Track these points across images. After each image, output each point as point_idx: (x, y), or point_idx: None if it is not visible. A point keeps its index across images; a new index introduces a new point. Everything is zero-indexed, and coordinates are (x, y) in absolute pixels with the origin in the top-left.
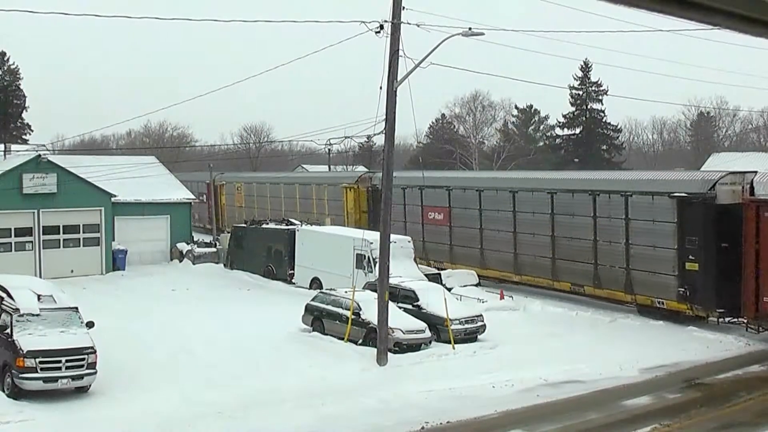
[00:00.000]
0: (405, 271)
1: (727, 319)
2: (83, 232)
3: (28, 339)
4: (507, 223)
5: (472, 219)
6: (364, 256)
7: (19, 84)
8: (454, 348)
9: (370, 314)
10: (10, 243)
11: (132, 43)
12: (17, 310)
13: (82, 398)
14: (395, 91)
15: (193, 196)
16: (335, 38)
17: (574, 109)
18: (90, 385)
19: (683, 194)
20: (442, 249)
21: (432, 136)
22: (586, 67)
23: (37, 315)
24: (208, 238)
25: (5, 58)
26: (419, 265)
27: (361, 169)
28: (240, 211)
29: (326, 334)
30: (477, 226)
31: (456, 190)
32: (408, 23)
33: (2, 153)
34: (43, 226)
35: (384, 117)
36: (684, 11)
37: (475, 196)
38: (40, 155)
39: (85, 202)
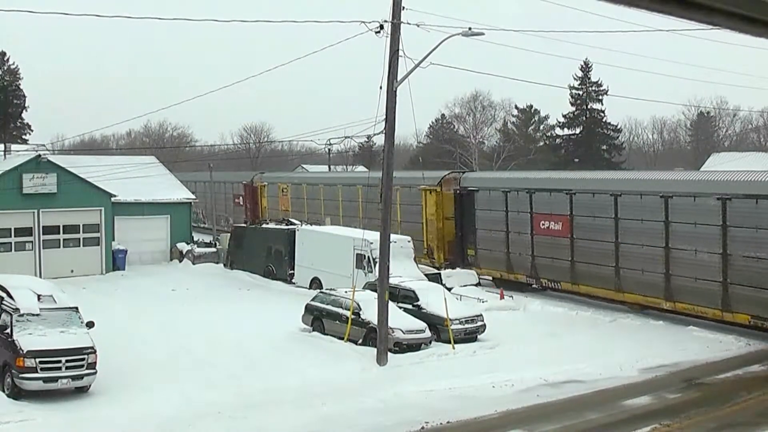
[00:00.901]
0: (405, 271)
1: None
2: (83, 232)
3: (28, 339)
4: (655, 235)
5: (604, 230)
6: (364, 256)
7: (19, 84)
8: (454, 348)
9: (370, 314)
10: (10, 243)
11: (132, 43)
12: (17, 310)
13: (82, 398)
14: (395, 91)
15: (193, 196)
16: (335, 38)
17: (574, 109)
18: (90, 385)
19: None
20: (559, 266)
21: (432, 136)
22: (586, 67)
23: (37, 315)
24: (208, 238)
25: (5, 58)
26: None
27: (362, 169)
28: (286, 216)
29: (326, 334)
30: (611, 239)
31: (581, 195)
32: (408, 23)
33: (2, 153)
34: (43, 226)
35: (384, 117)
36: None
37: (608, 202)
38: (40, 155)
39: (85, 202)
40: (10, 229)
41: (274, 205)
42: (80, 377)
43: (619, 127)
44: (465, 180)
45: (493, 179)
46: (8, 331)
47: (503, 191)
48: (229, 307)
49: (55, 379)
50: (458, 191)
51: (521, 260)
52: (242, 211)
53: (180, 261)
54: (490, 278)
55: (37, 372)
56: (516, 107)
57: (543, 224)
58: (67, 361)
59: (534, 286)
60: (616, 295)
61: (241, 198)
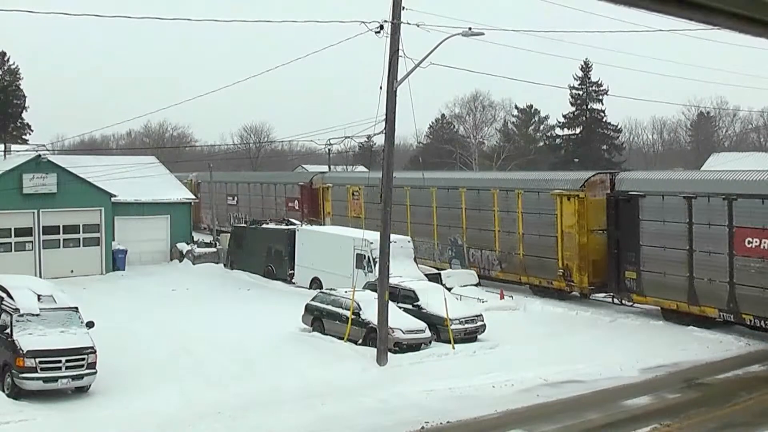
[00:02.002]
0: (405, 271)
1: None
2: (83, 232)
3: (28, 339)
4: None
5: None
6: (364, 256)
7: (19, 84)
8: (454, 348)
9: (370, 314)
10: (10, 243)
11: (132, 43)
12: (17, 310)
13: (82, 398)
14: (395, 91)
15: (193, 196)
16: (335, 38)
17: (574, 109)
18: (90, 385)
19: None
20: None
21: (432, 136)
22: (586, 67)
23: (37, 315)
24: (208, 238)
25: (5, 58)
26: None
27: (362, 169)
28: (357, 224)
29: (326, 334)
30: None
31: None
32: (408, 23)
33: (2, 153)
34: (43, 226)
35: (384, 117)
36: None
37: None
38: (40, 155)
39: (85, 202)
40: (10, 229)
41: (341, 211)
42: (80, 377)
43: (619, 127)
44: (622, 182)
45: (667, 181)
46: (8, 331)
47: (686, 197)
48: (229, 307)
49: (55, 379)
50: (612, 197)
51: (712, 289)
52: (298, 216)
53: (180, 261)
54: (658, 309)
55: (37, 372)
56: (516, 107)
57: (750, 242)
58: (67, 361)
59: (731, 321)
60: None
61: (296, 202)
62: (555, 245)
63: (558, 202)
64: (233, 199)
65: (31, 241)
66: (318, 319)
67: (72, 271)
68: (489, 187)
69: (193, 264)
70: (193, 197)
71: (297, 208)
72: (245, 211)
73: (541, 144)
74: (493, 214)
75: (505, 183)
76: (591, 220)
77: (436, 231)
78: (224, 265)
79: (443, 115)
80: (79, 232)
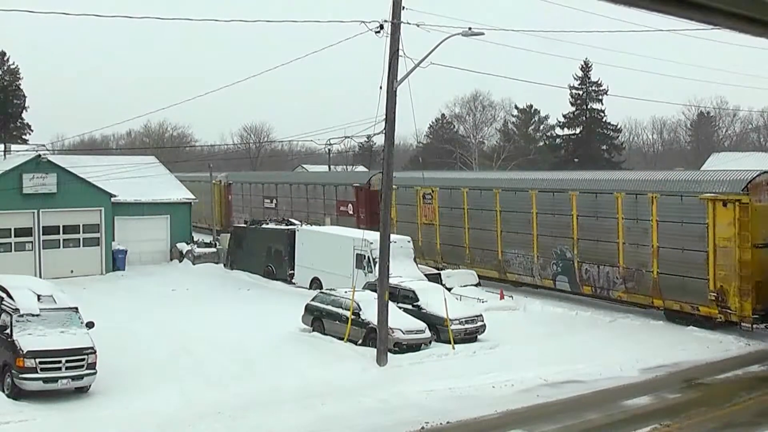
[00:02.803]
0: (405, 271)
1: None
2: (83, 232)
3: (28, 339)
4: None
5: None
6: (364, 256)
7: (19, 84)
8: (454, 348)
9: (370, 314)
10: (10, 243)
11: (132, 43)
12: (17, 310)
13: (82, 398)
14: (395, 91)
15: (193, 196)
16: (335, 38)
17: (574, 109)
18: (90, 385)
19: None
20: None
21: (432, 136)
22: (586, 67)
23: (37, 315)
24: (208, 238)
25: (5, 58)
26: (419, 265)
27: (362, 169)
28: (430, 232)
29: (326, 334)
30: None
31: None
32: (408, 23)
33: (2, 153)
34: (43, 226)
35: (384, 117)
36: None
37: None
38: (40, 155)
39: (85, 202)
40: (10, 229)
41: (409, 217)
42: (80, 377)
43: (619, 127)
44: None
45: None
46: (8, 331)
47: None
48: (229, 308)
49: (55, 380)
50: None
51: None
52: (352, 223)
53: (180, 261)
54: None
55: (37, 372)
56: (516, 107)
57: None
58: (67, 361)
59: None
60: None
61: (350, 206)
62: (704, 262)
63: (710, 209)
64: (271, 202)
65: (31, 241)
66: (318, 319)
67: (72, 271)
68: (611, 190)
69: (193, 264)
70: (193, 197)
71: (351, 212)
72: (286, 215)
73: (541, 144)
74: (616, 222)
75: (633, 185)
76: (756, 231)
77: (537, 242)
78: (224, 265)
79: (443, 115)
80: (79, 232)
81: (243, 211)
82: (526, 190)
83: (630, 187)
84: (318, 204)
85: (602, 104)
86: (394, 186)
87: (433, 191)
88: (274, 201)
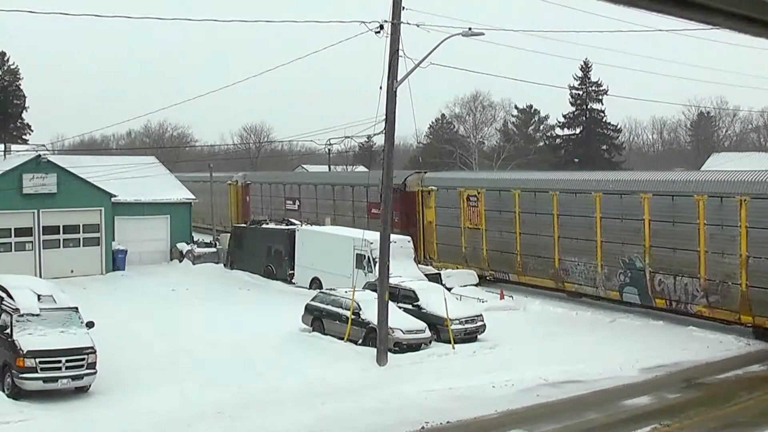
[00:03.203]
0: (405, 271)
1: None
2: (83, 232)
3: (28, 339)
4: None
5: None
6: (364, 256)
7: (19, 84)
8: (454, 348)
9: (370, 314)
10: (10, 243)
11: (132, 43)
12: (17, 310)
13: (82, 398)
14: (395, 91)
15: (193, 196)
16: (335, 38)
17: (574, 109)
18: (90, 385)
19: None
20: None
21: (432, 136)
22: (586, 67)
23: (37, 315)
24: (208, 238)
25: (5, 58)
26: (419, 265)
27: (362, 169)
28: (475, 237)
29: (326, 334)
30: None
31: None
32: (408, 23)
33: (2, 153)
34: (43, 226)
35: (384, 117)
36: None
37: None
38: (40, 155)
39: (85, 202)
40: (10, 229)
41: (449, 220)
42: (80, 377)
43: (619, 127)
44: None
45: None
46: (8, 331)
47: None
48: (229, 308)
49: (55, 379)
50: None
51: None
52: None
53: (180, 261)
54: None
55: (37, 372)
56: (516, 107)
57: None
58: (67, 361)
59: None
60: None
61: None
62: None
63: None
64: (294, 204)
65: (31, 241)
66: (318, 319)
67: (72, 271)
68: (690, 192)
69: (193, 264)
70: (193, 197)
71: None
72: (310, 217)
73: (541, 144)
74: (696, 228)
75: (717, 186)
76: None
77: (601, 249)
78: (224, 265)
79: (443, 114)
80: (79, 232)
81: (263, 213)
82: (589, 191)
83: (713, 189)
84: (346, 206)
85: (602, 104)
86: (433, 187)
87: (479, 193)
88: (297, 203)
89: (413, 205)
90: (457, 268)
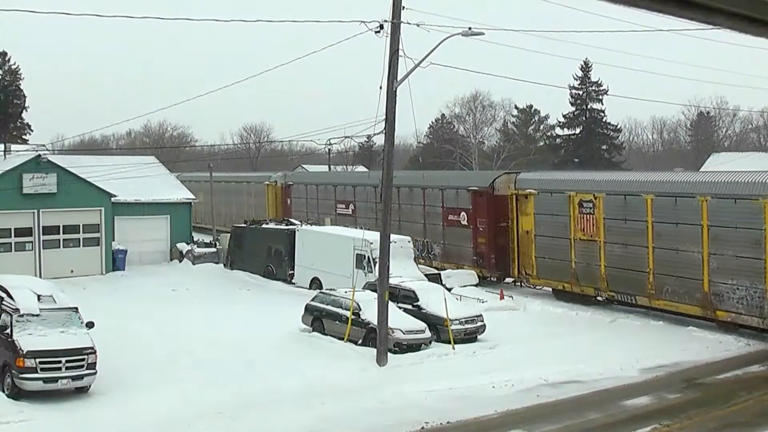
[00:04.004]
0: (405, 271)
1: None
2: (83, 232)
3: (28, 339)
4: None
5: None
6: (364, 256)
7: (19, 84)
8: (454, 348)
9: (370, 314)
10: (10, 243)
11: (132, 43)
12: (17, 310)
13: (82, 398)
14: (395, 91)
15: (193, 196)
16: (335, 38)
17: (574, 109)
18: (90, 385)
19: None
20: None
21: (432, 136)
22: (586, 67)
23: (37, 315)
24: (208, 238)
25: (5, 58)
26: (419, 265)
27: (362, 169)
28: (589, 251)
29: (326, 334)
30: None
31: None
32: (408, 23)
33: (2, 153)
34: (43, 226)
35: (384, 117)
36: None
37: None
38: (40, 155)
39: (85, 202)
40: (10, 229)
41: (555, 230)
42: (80, 377)
43: (619, 127)
44: None
45: None
46: (8, 331)
47: None
48: (229, 308)
49: (55, 380)
50: None
51: None
52: (466, 235)
53: (180, 261)
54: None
55: (37, 372)
56: (516, 107)
57: None
58: (67, 361)
59: None
60: None
61: (463, 215)
62: None
63: None
64: (347, 208)
65: (31, 241)
66: (318, 319)
67: (72, 271)
68: None
69: (193, 264)
70: (193, 197)
71: (464, 223)
72: (368, 224)
73: (541, 144)
74: None
75: None
76: None
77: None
78: (224, 265)
79: (443, 114)
80: (79, 232)
81: (307, 217)
82: (756, 198)
83: None
84: (415, 212)
85: (602, 104)
86: (532, 190)
87: (596, 198)
88: (351, 207)
89: (503, 212)
90: (564, 287)
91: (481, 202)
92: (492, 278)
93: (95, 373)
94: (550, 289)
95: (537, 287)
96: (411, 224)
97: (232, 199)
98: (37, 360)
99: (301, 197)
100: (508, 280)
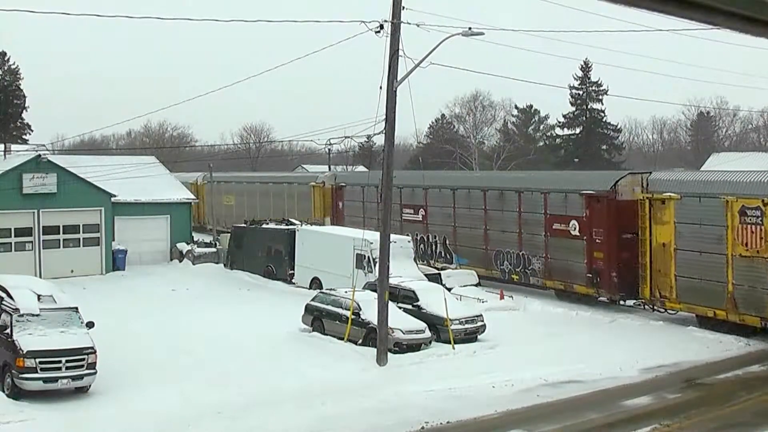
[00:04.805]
0: (405, 271)
1: None
2: (83, 232)
3: (28, 339)
4: None
5: None
6: (364, 256)
7: (19, 84)
8: (454, 348)
9: (370, 314)
10: (10, 243)
11: (132, 43)
12: (17, 310)
13: (82, 398)
14: (395, 91)
15: (193, 196)
16: (335, 38)
17: (574, 109)
18: (90, 385)
19: None
20: None
21: (432, 136)
22: (586, 67)
23: (37, 315)
24: (208, 238)
25: (5, 58)
26: (419, 265)
27: (362, 169)
28: (753, 271)
29: (326, 334)
30: None
31: None
32: (408, 23)
33: (2, 153)
34: (43, 226)
35: (384, 117)
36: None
37: None
38: (40, 155)
39: (85, 202)
40: (10, 229)
41: (704, 244)
42: (80, 377)
43: (619, 127)
44: None
45: None
46: (8, 331)
47: None
48: (229, 308)
49: (55, 380)
50: None
51: None
52: (578, 248)
53: (180, 261)
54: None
55: (37, 372)
56: (516, 107)
57: None
58: (67, 361)
59: None
60: None
61: (574, 224)
62: None
63: None
64: (416, 213)
65: (31, 241)
66: (318, 319)
67: (72, 271)
68: None
69: (193, 264)
70: (193, 197)
71: (576, 232)
72: (445, 234)
73: (541, 144)
74: None
75: None
76: None
77: None
78: (224, 265)
79: (443, 115)
80: (79, 232)
81: (364, 223)
82: None
83: None
84: (507, 219)
85: (602, 104)
86: (672, 194)
87: (765, 204)
88: (421, 212)
89: (628, 220)
90: (715, 314)
91: (599, 209)
92: (613, 300)
93: (95, 373)
94: (693, 315)
95: (672, 311)
96: (501, 233)
97: (270, 202)
98: (37, 360)
99: (356, 200)
100: (630, 302)
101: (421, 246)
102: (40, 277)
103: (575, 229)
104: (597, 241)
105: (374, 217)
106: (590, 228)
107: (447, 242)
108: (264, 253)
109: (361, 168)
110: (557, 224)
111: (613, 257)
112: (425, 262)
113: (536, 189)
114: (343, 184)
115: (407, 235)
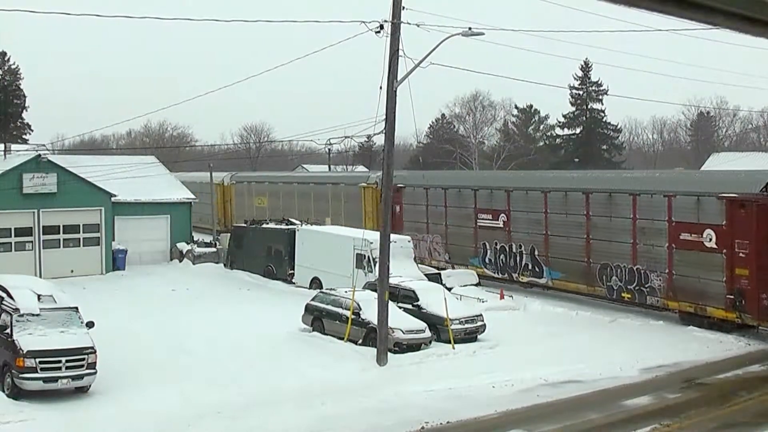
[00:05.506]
0: (405, 271)
1: None
2: (83, 232)
3: (28, 339)
4: None
5: None
6: (364, 256)
7: (19, 84)
8: (454, 348)
9: (370, 314)
10: (10, 243)
11: (132, 43)
12: (17, 310)
13: (82, 398)
14: (395, 91)
15: (193, 196)
16: (335, 38)
17: (574, 109)
18: (90, 385)
19: None
20: None
21: (432, 136)
22: (586, 67)
23: (37, 315)
24: (208, 238)
25: (5, 58)
26: (419, 265)
27: (362, 169)
28: None
29: (326, 334)
30: None
31: None
32: (408, 23)
33: (2, 153)
34: (43, 226)
35: (384, 117)
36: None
37: None
38: (40, 155)
39: (85, 202)
40: (10, 229)
41: None
42: (80, 377)
43: (619, 127)
44: None
45: None
46: (8, 331)
47: None
48: (229, 307)
49: (55, 379)
50: None
51: None
52: (715, 265)
53: (180, 261)
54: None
55: (37, 372)
56: (516, 107)
57: None
58: (67, 361)
59: None
60: None
61: (710, 233)
62: None
63: None
64: (495, 219)
65: (31, 241)
66: (318, 319)
67: (72, 271)
68: None
69: (193, 264)
70: (193, 197)
71: (712, 244)
72: (534, 243)
73: (541, 144)
74: None
75: None
76: None
77: None
78: (224, 265)
79: (443, 114)
80: (79, 232)
81: (428, 230)
82: None
83: None
84: (617, 227)
85: (602, 104)
86: None
87: None
88: (503, 217)
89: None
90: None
91: (745, 216)
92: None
93: (95, 373)
94: None
95: None
96: (609, 244)
97: (309, 205)
98: (37, 360)
99: (418, 203)
100: None
101: (501, 257)
102: (40, 277)
103: (711, 239)
104: (741, 255)
105: (440, 222)
106: (732, 239)
107: (536, 253)
108: (264, 253)
109: (361, 168)
110: (686, 234)
111: (761, 275)
112: (506, 275)
113: (657, 191)
114: (402, 185)
115: (483, 243)
